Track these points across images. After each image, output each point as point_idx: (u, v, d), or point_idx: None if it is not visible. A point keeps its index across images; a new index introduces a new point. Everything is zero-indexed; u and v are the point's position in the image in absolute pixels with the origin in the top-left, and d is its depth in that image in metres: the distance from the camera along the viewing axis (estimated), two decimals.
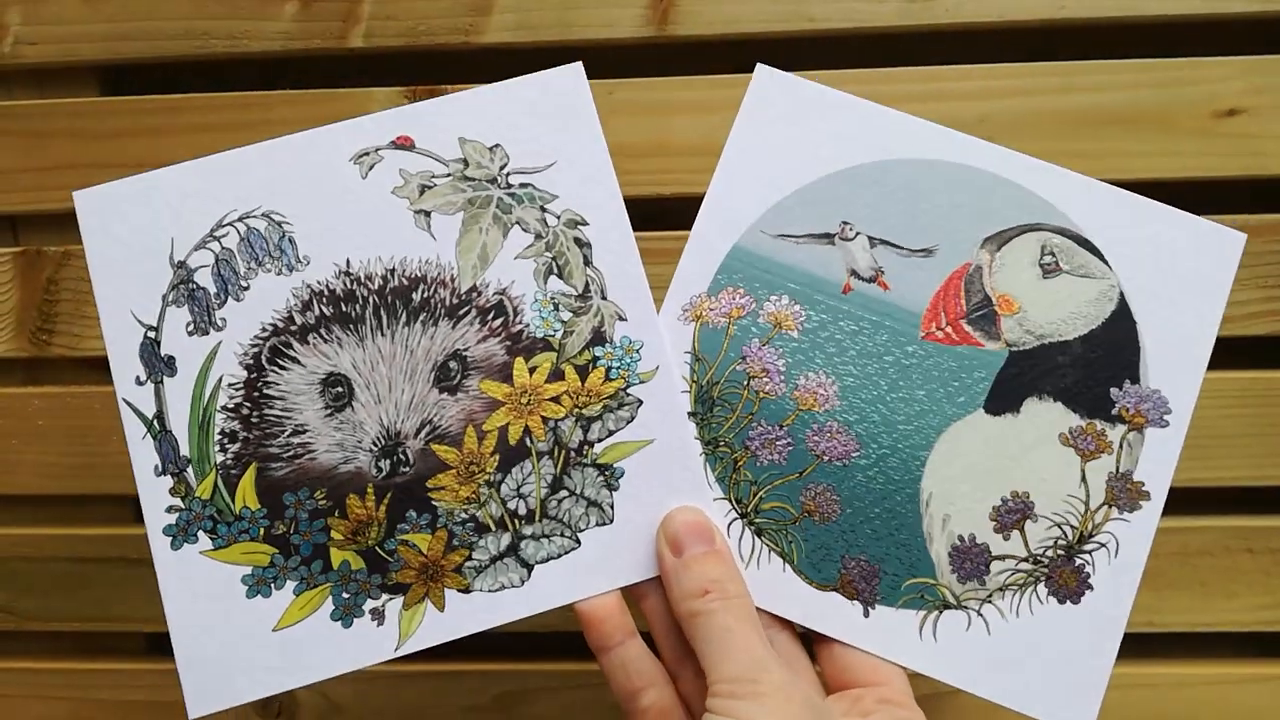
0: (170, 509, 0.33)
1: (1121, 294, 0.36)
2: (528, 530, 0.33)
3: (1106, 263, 0.36)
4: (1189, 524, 0.46)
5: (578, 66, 0.34)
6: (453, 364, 0.38)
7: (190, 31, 0.45)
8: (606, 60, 0.41)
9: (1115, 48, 0.44)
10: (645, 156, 0.44)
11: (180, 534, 0.31)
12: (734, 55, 0.44)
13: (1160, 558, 0.38)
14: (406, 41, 0.46)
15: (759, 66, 0.36)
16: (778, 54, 0.41)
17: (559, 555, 0.33)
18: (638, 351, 0.34)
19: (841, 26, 0.45)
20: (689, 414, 0.35)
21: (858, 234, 0.35)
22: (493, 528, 0.32)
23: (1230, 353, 0.43)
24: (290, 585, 0.36)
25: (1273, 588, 0.45)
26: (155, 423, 0.32)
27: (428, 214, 0.34)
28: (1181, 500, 0.39)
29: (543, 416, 0.33)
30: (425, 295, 0.33)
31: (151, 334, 0.32)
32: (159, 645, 0.44)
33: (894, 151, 0.36)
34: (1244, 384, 0.47)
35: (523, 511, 0.33)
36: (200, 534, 0.36)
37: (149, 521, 0.32)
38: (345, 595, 0.32)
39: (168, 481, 0.32)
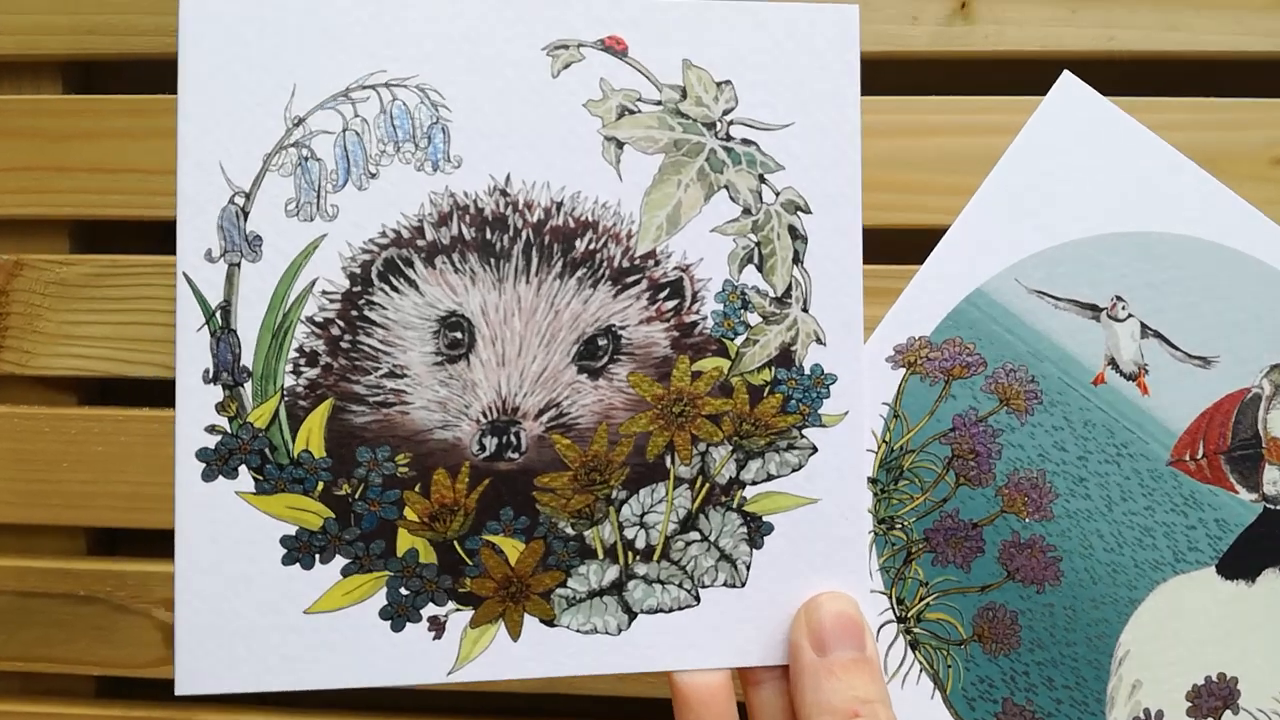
0: (212, 428, 0.36)
1: None
2: (641, 570, 0.32)
3: None
4: None
5: (853, 10, 0.32)
6: (603, 341, 0.38)
7: (162, 28, 0.45)
8: None
9: (1167, 84, 0.46)
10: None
11: (218, 463, 0.30)
12: None
13: None
14: None
15: (1065, 75, 0.39)
16: None
17: (671, 609, 0.37)
18: (828, 387, 0.33)
19: (873, 49, 0.46)
20: (869, 479, 0.34)
21: (1130, 316, 0.34)
22: (600, 555, 0.37)
23: None
24: (339, 562, 0.36)
25: None
26: (219, 315, 0.31)
27: (620, 145, 0.32)
28: None
29: (694, 435, 0.33)
30: (591, 247, 0.32)
31: (241, 200, 0.31)
32: (110, 689, 0.44)
33: (1202, 227, 0.34)
34: None
35: (641, 545, 0.32)
36: (243, 469, 0.36)
37: (180, 439, 0.35)
38: (404, 592, 0.34)
39: (216, 393, 0.31)
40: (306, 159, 0.33)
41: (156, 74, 0.43)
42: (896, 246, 0.40)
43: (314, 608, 0.33)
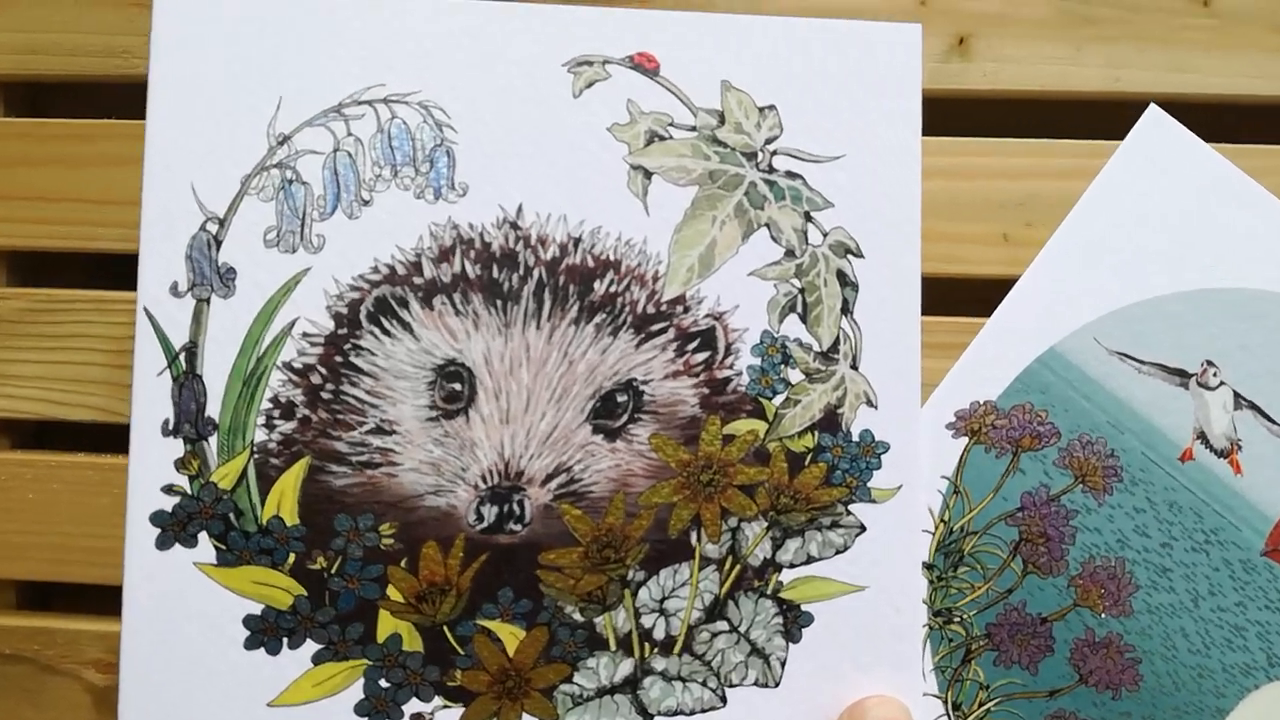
0: (170, 489, 0.33)
1: None
2: (659, 664, 0.28)
3: None
4: None
5: (916, 30, 0.29)
6: (622, 397, 0.35)
7: (111, 48, 0.43)
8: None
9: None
10: None
11: (175, 528, 0.28)
12: None
13: None
14: None
15: (1151, 108, 0.33)
16: None
17: (693, 711, 0.34)
18: (879, 456, 0.30)
19: None
20: (924, 565, 0.30)
21: (1222, 384, 0.30)
22: (613, 646, 0.29)
23: None
24: (310, 647, 0.33)
25: None
26: (183, 357, 0.27)
27: (649, 174, 0.29)
28: None
29: (724, 508, 0.29)
30: (612, 289, 0.29)
31: (214, 226, 0.28)
32: None
33: None
34: None
35: (660, 635, 0.28)
36: (203, 537, 0.33)
37: (132, 499, 0.32)
38: (384, 684, 0.33)
39: (176, 447, 0.28)
40: (291, 182, 0.30)
41: (105, 97, 0.40)
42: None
43: (279, 700, 0.30)
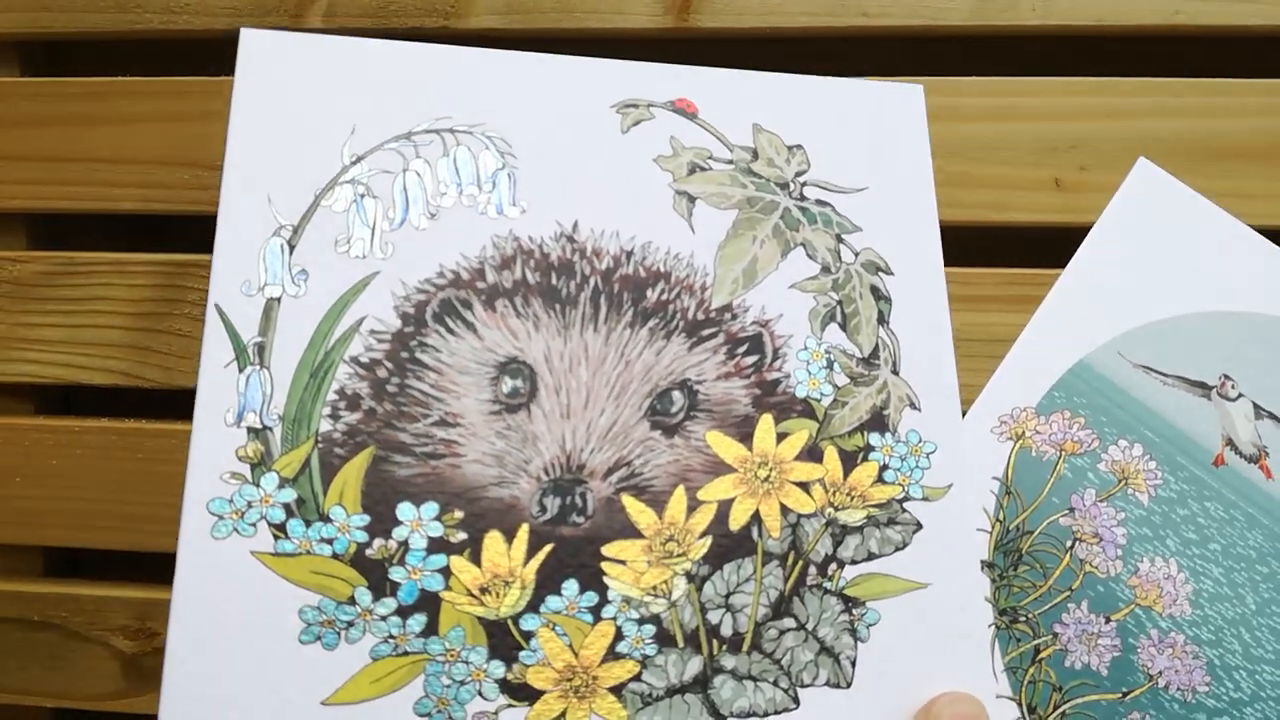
0: (230, 476, 0.38)
1: None
2: (729, 662, 0.34)
3: None
4: None
5: (918, 90, 0.39)
6: (678, 395, 0.42)
7: (122, 4, 0.51)
8: (614, 56, 0.48)
9: (1240, 63, 0.49)
10: None
11: (233, 517, 0.34)
12: (770, 55, 0.51)
13: None
14: (374, 22, 0.53)
15: (1140, 161, 0.42)
16: (825, 53, 0.51)
17: (766, 714, 0.37)
18: (927, 456, 0.37)
19: (903, 24, 0.51)
20: (983, 564, 0.36)
21: (1240, 396, 0.39)
22: (680, 642, 0.36)
23: None
24: (368, 642, 0.38)
25: None
26: (252, 350, 0.34)
27: (692, 199, 0.38)
28: None
29: (783, 504, 0.36)
30: (664, 297, 0.37)
31: (287, 233, 0.35)
32: None
33: None
34: None
35: (727, 631, 0.34)
36: (262, 526, 0.38)
37: (190, 487, 0.38)
38: (445, 682, 0.38)
39: (239, 437, 0.34)
40: (363, 196, 0.38)
41: (119, 54, 0.48)
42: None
43: (335, 698, 0.35)
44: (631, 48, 0.48)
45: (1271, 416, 0.45)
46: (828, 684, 0.39)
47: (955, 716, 0.38)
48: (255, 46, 0.43)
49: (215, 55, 0.49)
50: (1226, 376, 0.45)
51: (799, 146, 0.46)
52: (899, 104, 0.47)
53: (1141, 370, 0.45)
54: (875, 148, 0.46)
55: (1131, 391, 0.45)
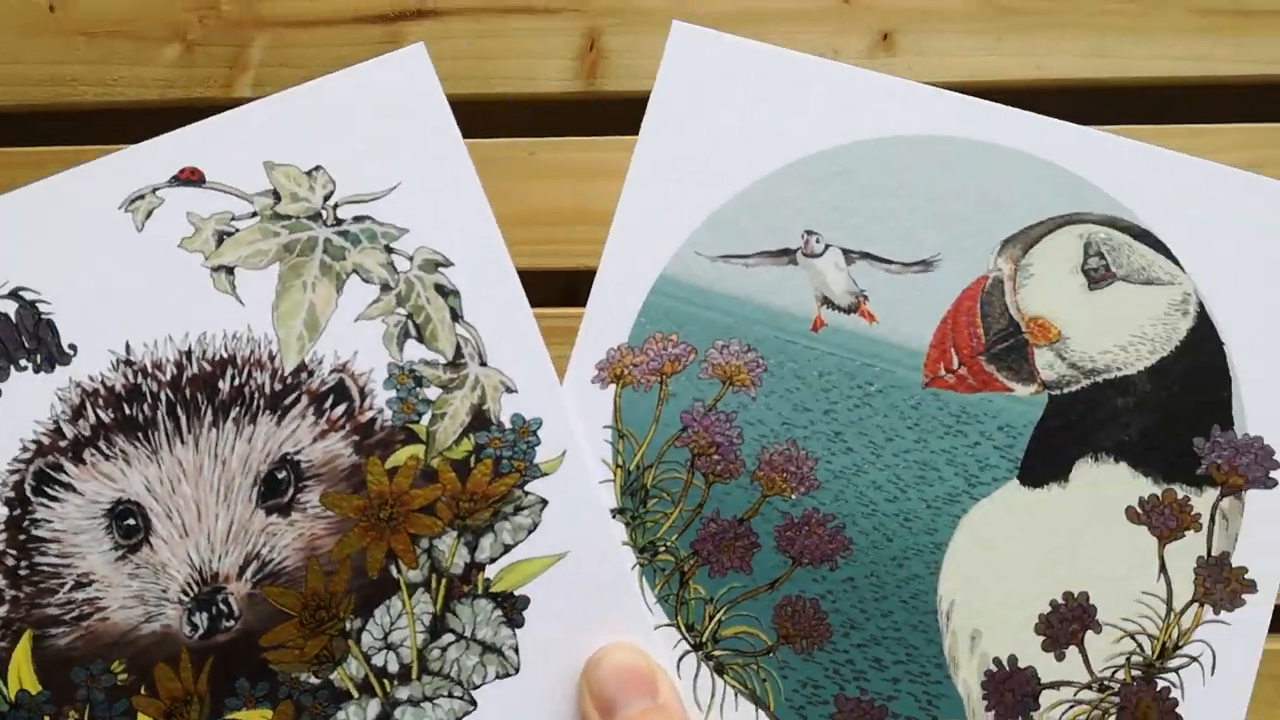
0: None
1: (1201, 304, 0.45)
2: (403, 693, 0.43)
3: (1176, 260, 0.44)
4: None
5: (419, 48, 0.43)
6: (282, 474, 0.44)
7: (57, 77, 0.60)
8: (529, 117, 0.60)
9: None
10: (569, 224, 0.59)
11: None
12: None
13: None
14: None
15: (675, 24, 0.46)
16: None
17: None
18: (535, 433, 0.44)
19: None
20: (613, 512, 0.44)
21: (827, 248, 0.44)
22: (355, 694, 0.43)
23: None
24: None
25: None
26: None
27: (230, 271, 0.44)
28: None
29: (411, 534, 0.43)
30: (236, 383, 0.43)
31: None
32: None
33: (868, 129, 0.45)
34: None
35: (394, 668, 0.43)
36: None
37: None
38: None
39: None
40: None
41: (51, 124, 0.61)
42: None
43: None
44: (545, 108, 0.60)
45: (864, 256, 0.51)
46: (498, 677, 0.49)
47: (613, 667, 0.48)
48: None
49: (152, 126, 0.58)
50: (809, 232, 0.50)
51: (318, 168, 0.51)
52: (401, 80, 0.50)
53: (722, 261, 0.50)
54: (395, 138, 0.50)
55: (716, 288, 0.51)
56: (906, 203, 0.49)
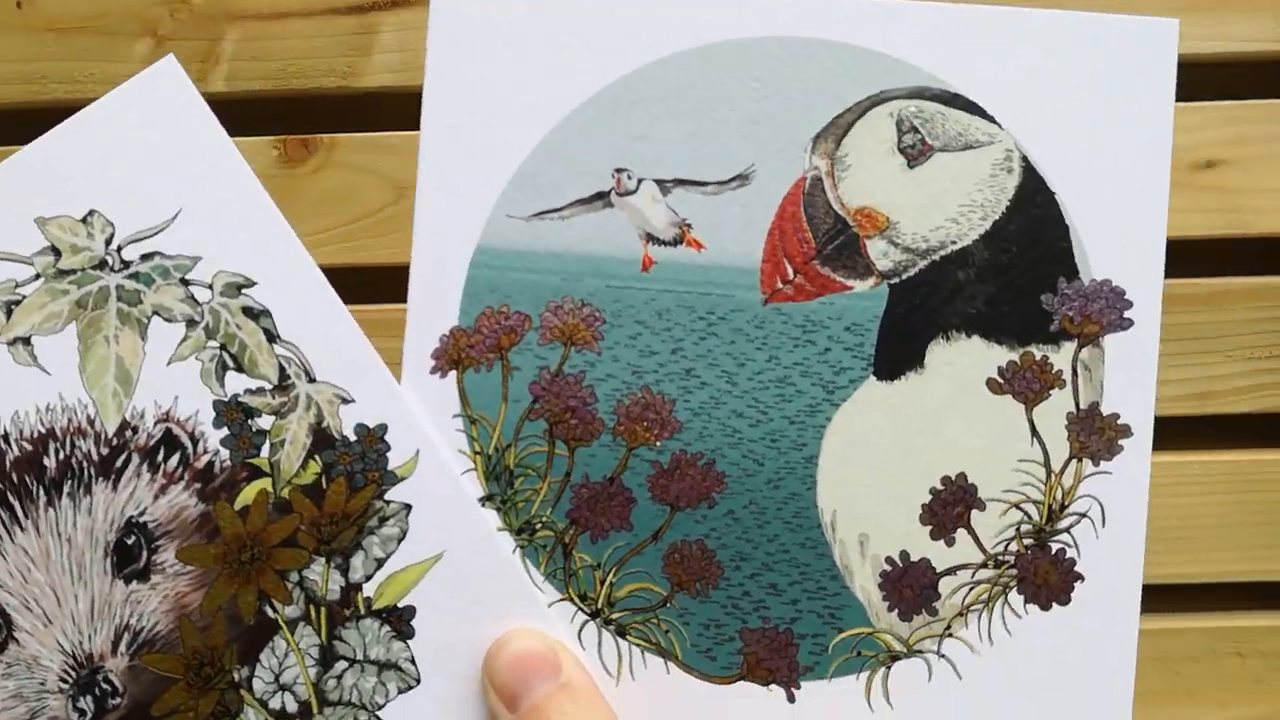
0: None
1: (1024, 157, 0.46)
2: None
3: (992, 118, 0.45)
4: (1169, 625, 0.64)
5: (169, 61, 0.44)
6: (130, 539, 0.45)
7: (25, 75, 0.60)
8: None
9: None
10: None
11: None
12: None
13: (1138, 662, 0.54)
14: (275, 85, 0.65)
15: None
16: None
17: None
18: (383, 439, 0.45)
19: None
20: (481, 501, 0.45)
21: (640, 182, 0.45)
22: None
23: (1216, 431, 0.62)
24: None
25: (1265, 695, 0.63)
26: None
27: (27, 341, 0.44)
28: (1160, 597, 0.57)
29: (278, 570, 0.44)
30: (62, 456, 0.44)
31: None
32: None
33: (649, 50, 0.45)
34: (1230, 467, 0.64)
35: (293, 707, 0.44)
36: None
37: None
38: None
39: None
40: None
41: (20, 123, 0.60)
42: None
43: None
44: None
45: (679, 182, 0.52)
46: (400, 692, 0.51)
47: (510, 656, 0.51)
48: None
49: None
50: (618, 170, 0.51)
51: (92, 213, 0.51)
52: (158, 88, 0.50)
53: (537, 220, 0.51)
54: (164, 160, 0.53)
55: (537, 248, 0.52)
56: (710, 118, 0.50)
